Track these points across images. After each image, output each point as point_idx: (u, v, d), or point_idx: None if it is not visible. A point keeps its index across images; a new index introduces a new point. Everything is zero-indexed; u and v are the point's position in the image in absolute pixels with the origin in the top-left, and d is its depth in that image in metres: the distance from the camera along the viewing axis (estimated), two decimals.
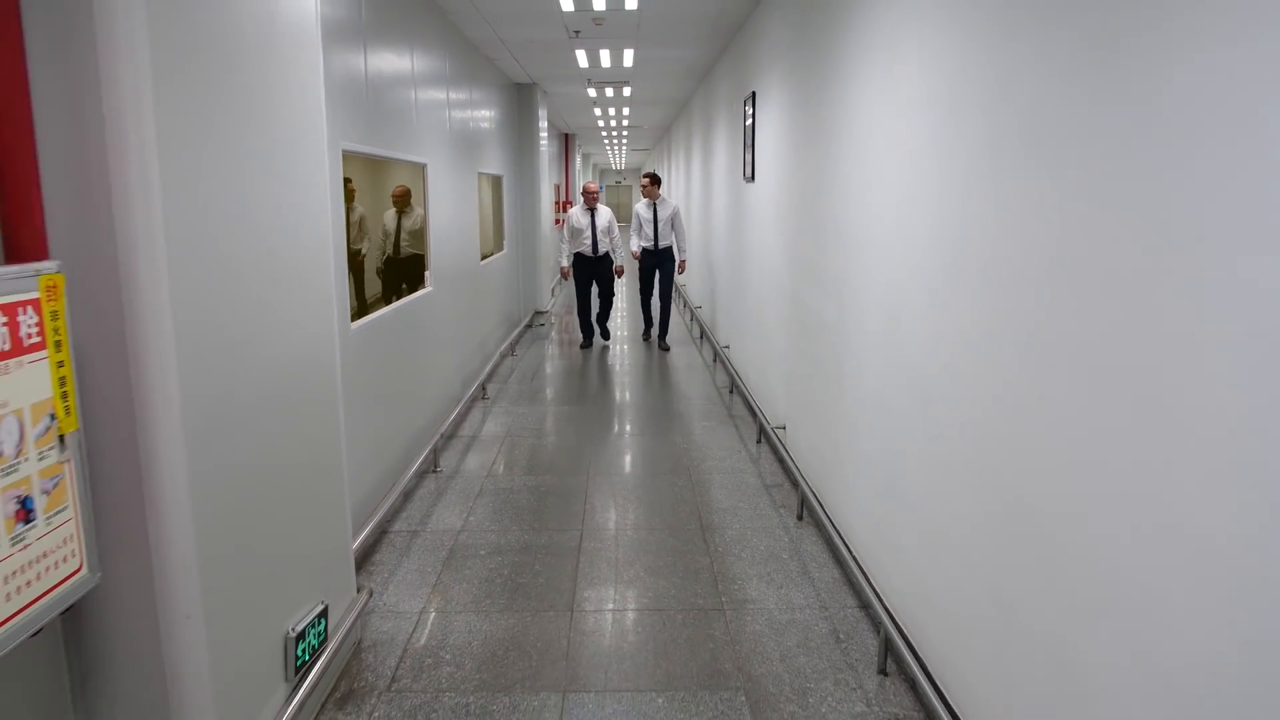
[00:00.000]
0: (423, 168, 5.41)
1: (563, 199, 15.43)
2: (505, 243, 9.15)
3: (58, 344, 1.50)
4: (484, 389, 6.68)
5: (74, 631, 1.85)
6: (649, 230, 8.26)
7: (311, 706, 2.57)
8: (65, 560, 1.53)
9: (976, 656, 2.30)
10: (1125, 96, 1.58)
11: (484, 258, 7.71)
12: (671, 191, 14.00)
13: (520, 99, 9.91)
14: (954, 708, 2.40)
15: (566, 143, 16.97)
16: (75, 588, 1.56)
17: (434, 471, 4.84)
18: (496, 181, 8.92)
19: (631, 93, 10.56)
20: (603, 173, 34.52)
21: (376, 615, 3.20)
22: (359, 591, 3.03)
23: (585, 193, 8.35)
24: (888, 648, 2.83)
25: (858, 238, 3.39)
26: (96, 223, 1.68)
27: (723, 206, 7.83)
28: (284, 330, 2.39)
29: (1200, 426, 1.39)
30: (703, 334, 8.95)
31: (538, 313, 10.50)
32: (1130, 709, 1.60)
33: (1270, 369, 1.24)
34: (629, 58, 7.97)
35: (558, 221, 13.05)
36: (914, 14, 2.73)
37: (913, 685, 2.71)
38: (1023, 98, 1.99)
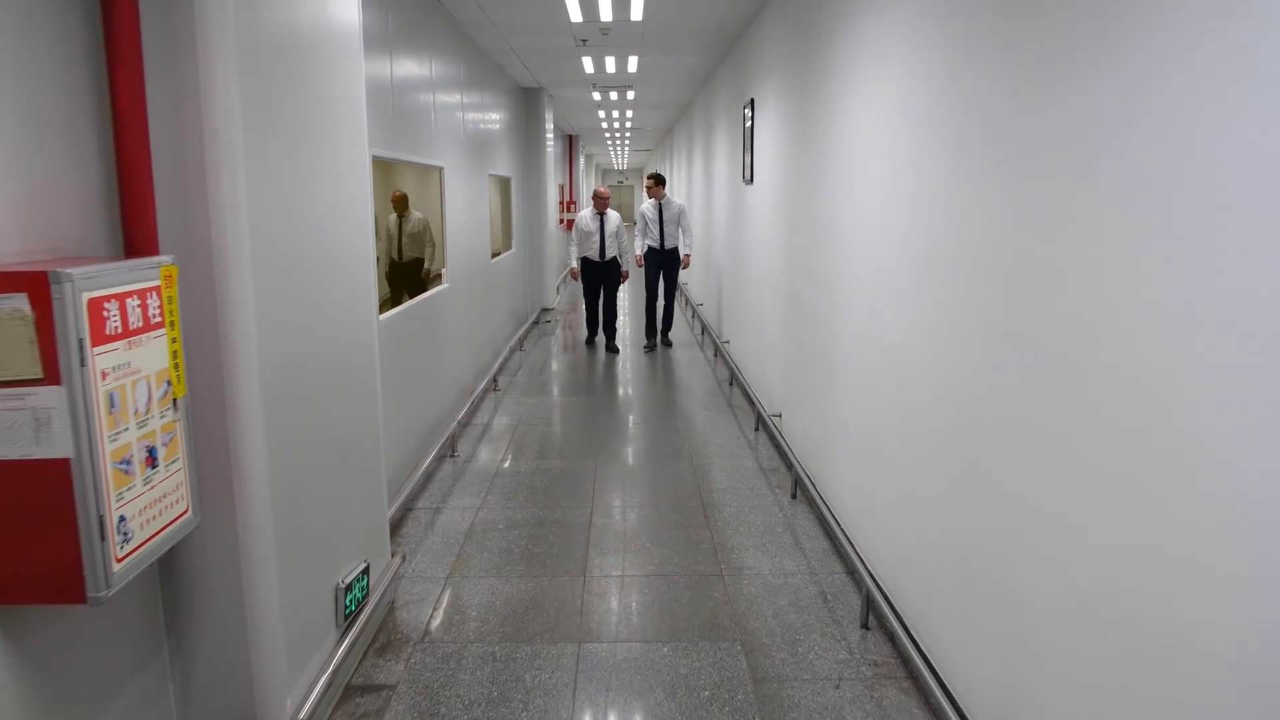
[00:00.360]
0: (440, 170, 5.72)
1: (566, 199, 15.74)
2: (513, 242, 9.47)
3: (172, 323, 1.82)
4: (495, 381, 7.00)
5: (167, 570, 2.17)
6: (655, 231, 8.30)
7: (357, 652, 2.89)
8: (177, 503, 1.84)
9: (943, 606, 2.62)
10: (1061, 114, 1.90)
11: (494, 256, 8.03)
12: (674, 192, 14.31)
13: (527, 103, 10.23)
14: (926, 653, 2.72)
15: (570, 144, 17.28)
16: (184, 526, 1.88)
17: (451, 456, 5.16)
18: (505, 183, 9.23)
19: (635, 96, 10.88)
20: (605, 173, 34.85)
21: (407, 580, 3.52)
22: (393, 556, 3.35)
23: (595, 197, 8.35)
24: (869, 605, 3.14)
25: (846, 237, 3.71)
26: (195, 224, 2.00)
27: (723, 207, 8.15)
28: (335, 317, 2.71)
29: (1119, 401, 1.71)
30: (704, 330, 9.26)
31: (544, 310, 10.82)
32: (1060, 637, 1.92)
33: (1172, 355, 1.56)
34: (633, 64, 8.29)
35: (562, 222, 13.36)
36: (894, 36, 3.05)
37: (891, 637, 3.02)
38: (983, 115, 2.31)
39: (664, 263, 8.42)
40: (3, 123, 1.59)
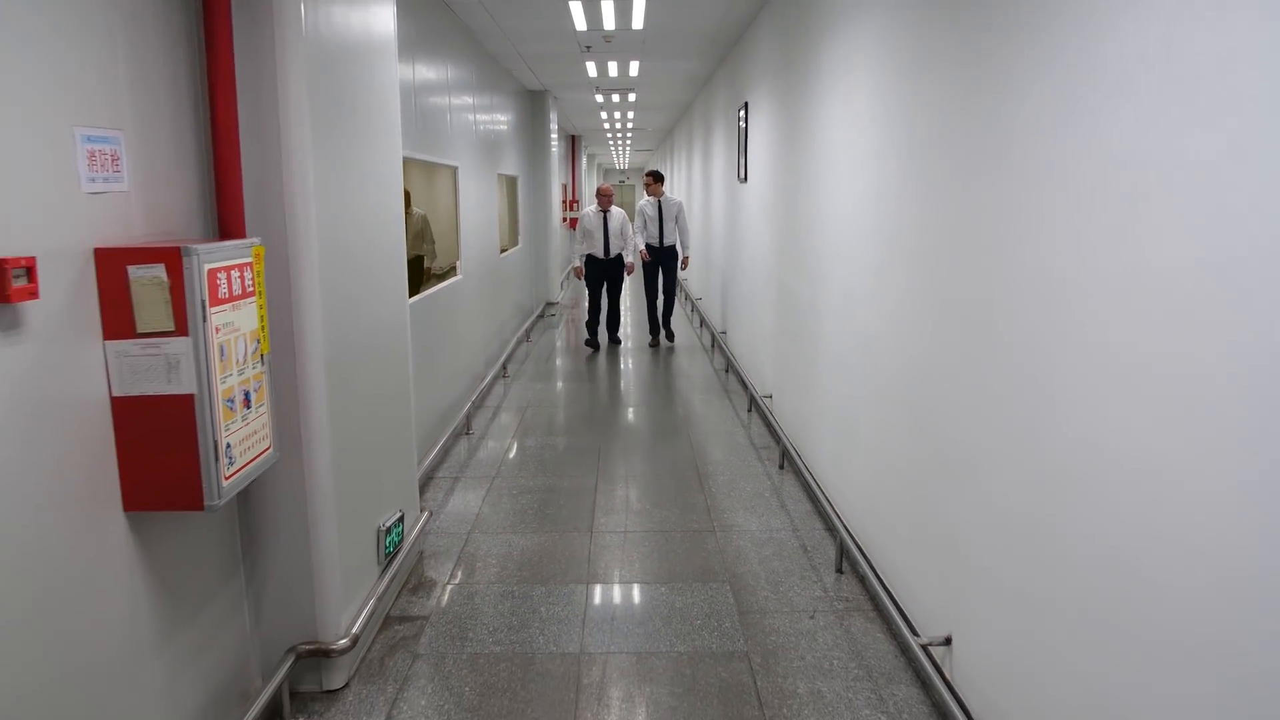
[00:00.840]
0: (454, 170, 6.14)
1: (569, 198, 16.14)
2: (520, 239, 9.88)
3: (260, 292, 2.24)
4: (505, 368, 7.42)
5: (244, 504, 2.59)
6: (654, 228, 8.43)
7: (394, 589, 3.31)
8: (263, 439, 2.26)
9: (903, 547, 3.03)
10: (989, 120, 2.32)
11: (502, 252, 8.44)
12: (674, 190, 14.72)
13: (533, 105, 10.64)
14: (889, 587, 3.13)
15: (573, 144, 17.68)
16: (268, 460, 2.29)
17: (467, 434, 5.58)
18: (512, 182, 9.65)
19: (636, 99, 11.29)
20: (606, 172, 35.25)
21: (433, 535, 3.93)
22: (422, 511, 3.76)
23: (599, 194, 8.40)
24: (843, 552, 3.56)
25: (826, 230, 4.12)
26: (272, 214, 2.41)
27: (720, 205, 8.56)
28: (376, 297, 3.13)
29: (1017, 363, 2.13)
30: (702, 323, 9.68)
31: (549, 304, 11.24)
32: (982, 554, 2.34)
33: (1052, 324, 1.97)
34: (634, 68, 8.70)
35: (565, 220, 13.75)
36: (860, 51, 3.46)
37: (862, 580, 3.44)
38: (933, 119, 2.72)
39: (662, 260, 8.57)
40: (132, 134, 2.01)
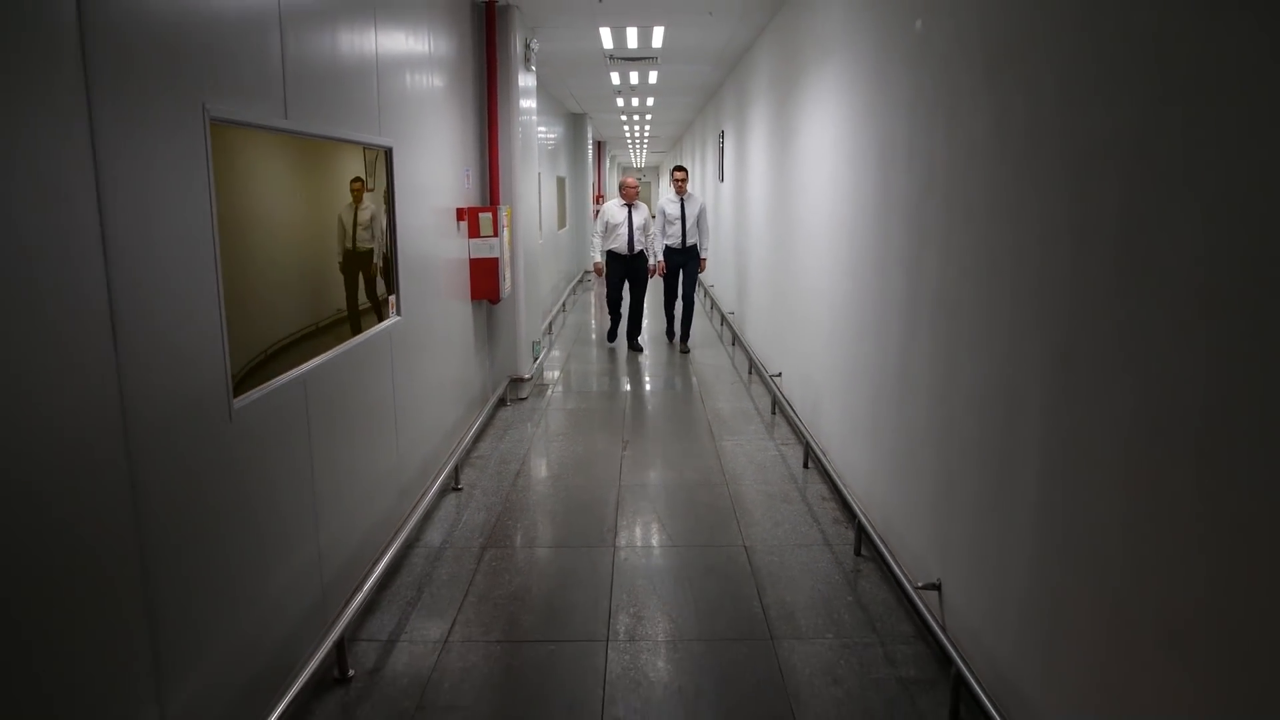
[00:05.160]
0: (538, 174, 9.80)
1: (596, 193, 19.74)
2: (567, 222, 13.55)
3: (510, 225, 5.89)
4: (565, 306, 11.12)
5: (488, 314, 6.25)
6: (676, 228, 8.08)
7: (536, 374, 6.98)
8: (509, 283, 5.90)
9: (770, 349, 6.66)
10: (787, 157, 5.97)
11: (559, 229, 12.10)
12: None
13: (575, 124, 14.30)
14: (766, 370, 6.75)
15: (599, 149, 21.30)
16: (507, 291, 5.93)
17: (548, 334, 9.27)
18: (561, 181, 13.30)
19: (652, 117, 14.92)
20: (625, 169, 38.85)
21: (546, 366, 7.60)
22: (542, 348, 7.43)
23: (623, 187, 8.16)
24: (751, 365, 7.20)
25: (751, 206, 7.76)
26: (506, 196, 6.08)
27: (710, 196, 12.20)
28: (531, 235, 6.79)
29: (800, 262, 5.78)
30: (699, 284, 13.33)
31: (587, 271, 14.94)
32: (789, 338, 5.97)
33: (820, 241, 5.63)
34: (651, 101, 12.34)
35: (594, 213, 17.38)
36: (761, 114, 7.09)
37: (762, 378, 7.06)
38: (776, 156, 6.36)
39: (682, 262, 8.20)
40: (469, 169, 5.66)
